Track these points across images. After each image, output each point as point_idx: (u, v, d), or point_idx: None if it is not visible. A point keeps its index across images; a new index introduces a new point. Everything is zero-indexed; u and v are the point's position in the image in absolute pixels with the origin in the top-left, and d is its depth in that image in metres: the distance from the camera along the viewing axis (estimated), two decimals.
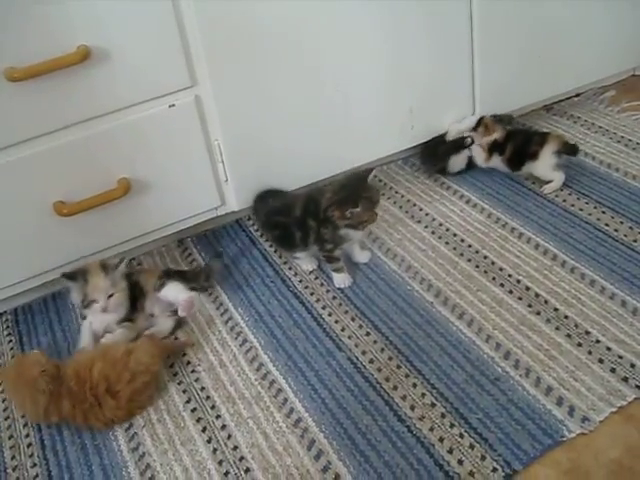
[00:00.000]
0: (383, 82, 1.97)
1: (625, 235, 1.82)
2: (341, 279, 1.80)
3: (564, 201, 1.98)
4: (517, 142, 2.06)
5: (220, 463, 1.40)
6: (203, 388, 1.57)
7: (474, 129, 2.10)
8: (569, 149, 2.04)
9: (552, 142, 2.02)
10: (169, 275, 1.76)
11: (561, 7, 2.12)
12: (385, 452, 1.37)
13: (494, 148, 2.08)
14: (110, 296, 1.64)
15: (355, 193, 1.72)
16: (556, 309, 1.63)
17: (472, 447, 1.35)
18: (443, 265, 1.81)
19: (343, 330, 1.66)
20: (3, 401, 1.61)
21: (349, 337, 1.64)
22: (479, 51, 2.05)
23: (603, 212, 1.91)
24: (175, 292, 1.71)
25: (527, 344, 1.55)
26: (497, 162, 2.09)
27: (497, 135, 2.08)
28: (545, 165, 2.02)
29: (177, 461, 1.42)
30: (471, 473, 1.30)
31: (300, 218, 1.78)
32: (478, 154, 2.12)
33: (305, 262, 1.86)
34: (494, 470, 1.30)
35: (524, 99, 2.28)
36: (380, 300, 1.73)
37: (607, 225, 1.86)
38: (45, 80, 1.51)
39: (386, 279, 1.79)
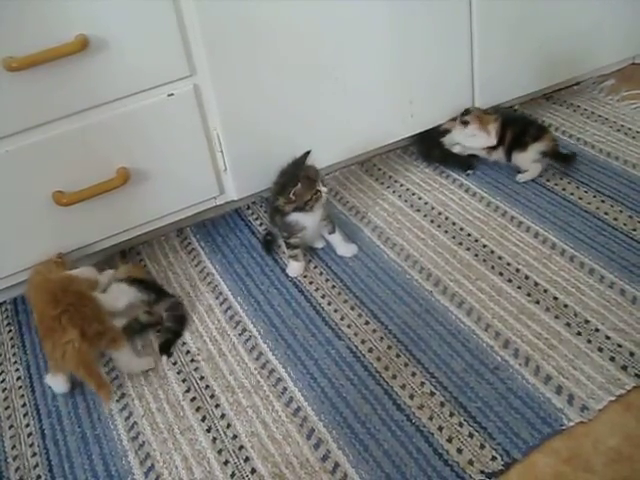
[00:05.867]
0: (383, 72, 1.97)
1: (624, 224, 1.82)
2: (293, 268, 1.83)
3: (563, 190, 1.97)
4: (515, 130, 2.03)
5: (219, 452, 1.40)
6: (202, 377, 1.57)
7: (463, 122, 2.09)
8: (559, 157, 2.04)
9: (545, 142, 2.00)
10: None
11: None
12: (384, 441, 1.37)
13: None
14: None
15: (292, 175, 1.75)
16: (555, 298, 1.63)
17: (471, 436, 1.35)
18: (442, 254, 1.81)
19: (342, 319, 1.66)
20: (3, 391, 1.62)
21: (348, 326, 1.64)
22: (478, 40, 2.04)
23: (602, 201, 1.91)
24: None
25: (526, 333, 1.55)
26: (498, 155, 2.08)
27: (495, 129, 2.05)
28: (527, 158, 2.01)
29: (177, 450, 1.42)
30: (470, 462, 1.31)
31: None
32: (480, 151, 2.12)
33: (292, 267, 1.85)
34: (493, 459, 1.31)
35: (523, 88, 2.27)
36: (379, 289, 1.73)
37: (606, 214, 1.86)
38: (43, 70, 1.51)
39: (385, 268, 1.79)
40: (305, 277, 1.81)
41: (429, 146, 2.17)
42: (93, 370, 1.49)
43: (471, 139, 2.09)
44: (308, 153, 1.77)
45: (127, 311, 1.67)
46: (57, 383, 1.57)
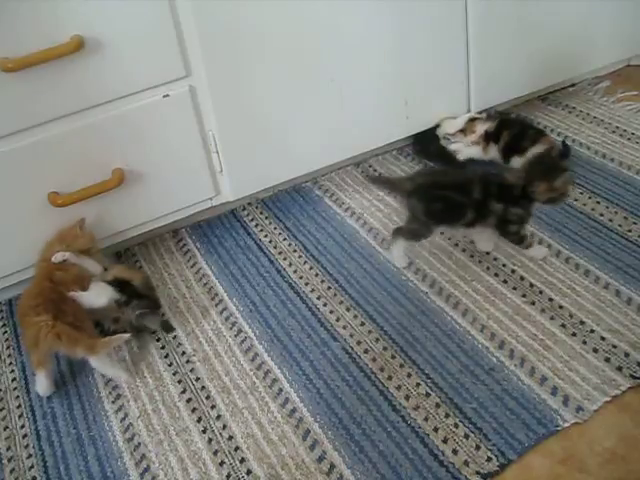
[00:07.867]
0: (379, 73, 1.97)
1: (619, 225, 1.82)
2: (538, 251, 1.76)
3: None
4: (513, 132, 2.04)
5: (215, 453, 1.40)
6: (198, 378, 1.57)
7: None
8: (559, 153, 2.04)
9: (543, 146, 1.99)
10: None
11: None
12: (380, 442, 1.37)
13: (489, 137, 2.07)
14: None
15: (554, 166, 1.69)
16: (551, 299, 1.64)
17: (467, 437, 1.36)
18: (438, 255, 1.81)
19: (338, 320, 1.66)
20: None
21: (344, 327, 1.64)
22: (474, 42, 2.04)
23: (598, 202, 1.91)
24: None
25: (522, 334, 1.56)
26: (494, 152, 2.08)
27: (486, 126, 2.07)
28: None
29: (172, 451, 1.42)
30: (466, 463, 1.31)
31: (480, 200, 1.65)
32: (474, 149, 2.12)
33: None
34: (488, 459, 1.31)
35: (519, 90, 2.27)
36: (375, 290, 1.73)
37: (602, 215, 1.86)
38: (39, 70, 1.51)
39: (381, 269, 1.79)
40: (301, 278, 1.80)
41: (427, 144, 2.18)
42: (76, 334, 1.50)
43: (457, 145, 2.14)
44: (552, 148, 1.85)
45: (103, 312, 1.63)
46: (38, 382, 1.55)
